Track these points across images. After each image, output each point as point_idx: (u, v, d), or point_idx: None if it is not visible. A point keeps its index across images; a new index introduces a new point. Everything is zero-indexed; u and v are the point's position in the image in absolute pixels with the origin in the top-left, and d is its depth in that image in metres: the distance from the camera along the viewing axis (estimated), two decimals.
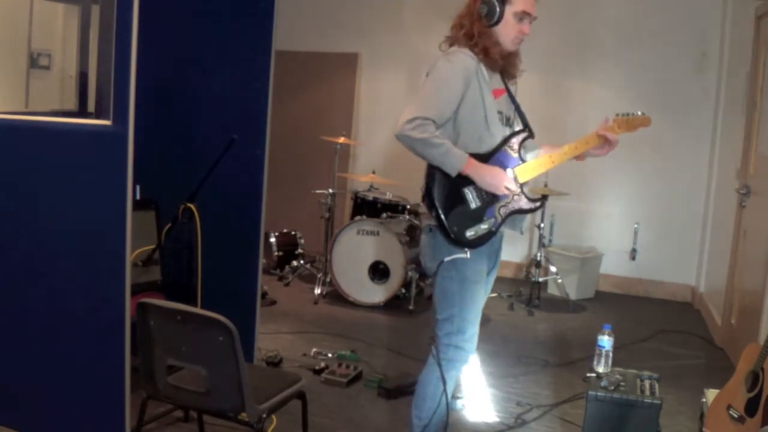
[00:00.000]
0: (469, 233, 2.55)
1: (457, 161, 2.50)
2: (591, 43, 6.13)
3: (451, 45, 2.63)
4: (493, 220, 2.59)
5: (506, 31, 2.58)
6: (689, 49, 5.89)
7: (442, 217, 2.52)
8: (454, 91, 2.52)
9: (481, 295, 2.68)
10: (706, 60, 5.87)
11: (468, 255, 2.55)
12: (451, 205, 2.54)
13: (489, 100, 2.58)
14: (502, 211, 2.61)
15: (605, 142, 2.63)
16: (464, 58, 2.54)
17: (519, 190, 2.62)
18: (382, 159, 6.50)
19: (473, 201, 2.57)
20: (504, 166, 2.60)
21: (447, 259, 2.55)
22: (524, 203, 2.64)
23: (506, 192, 2.57)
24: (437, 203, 2.53)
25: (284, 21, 3.80)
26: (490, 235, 2.59)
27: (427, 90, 2.55)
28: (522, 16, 2.56)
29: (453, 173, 2.51)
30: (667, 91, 5.88)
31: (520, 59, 2.71)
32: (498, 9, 2.54)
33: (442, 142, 2.47)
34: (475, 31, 2.56)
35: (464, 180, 2.54)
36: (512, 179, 2.59)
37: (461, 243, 2.54)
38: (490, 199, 2.58)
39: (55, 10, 5.48)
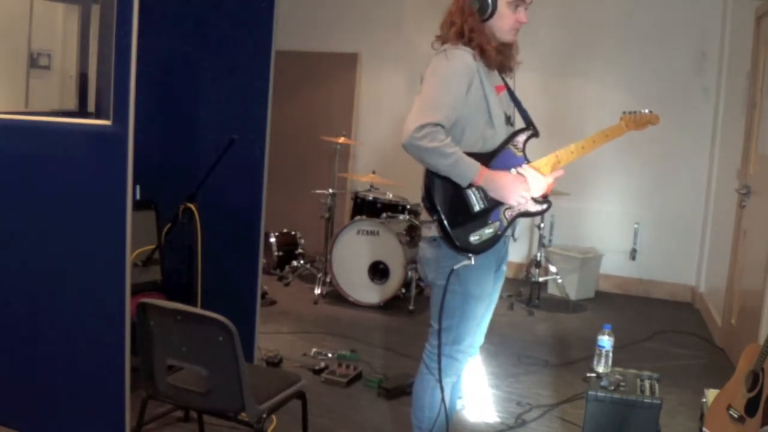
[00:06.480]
0: (474, 238, 2.41)
1: (468, 171, 2.36)
2: (591, 43, 6.14)
3: (443, 43, 2.50)
4: (498, 223, 2.47)
5: (502, 24, 2.45)
6: (689, 49, 5.90)
7: (445, 221, 2.39)
8: (458, 92, 2.39)
9: (481, 309, 2.58)
10: (705, 60, 5.88)
11: (473, 261, 2.42)
12: (453, 208, 2.40)
13: (492, 97, 2.46)
14: (508, 213, 2.49)
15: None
16: (463, 55, 2.41)
17: (531, 194, 2.49)
18: (382, 159, 6.50)
19: (477, 203, 2.43)
20: (508, 166, 2.49)
21: (456, 267, 2.42)
22: (531, 206, 2.52)
23: (521, 202, 2.46)
24: (439, 207, 2.39)
25: (284, 21, 3.81)
26: (495, 239, 2.47)
27: (430, 92, 2.39)
28: (517, 3, 2.43)
29: (464, 184, 2.38)
30: (667, 91, 5.88)
31: (518, 49, 2.59)
32: (491, 1, 2.41)
33: (453, 151, 2.33)
34: (467, 28, 2.44)
35: None
36: (527, 186, 2.47)
37: (465, 249, 2.41)
38: (496, 201, 2.45)
39: (55, 10, 5.49)
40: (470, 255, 2.42)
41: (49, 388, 2.84)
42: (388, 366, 4.12)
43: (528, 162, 2.54)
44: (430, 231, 2.51)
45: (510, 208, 2.49)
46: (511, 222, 2.51)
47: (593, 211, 6.25)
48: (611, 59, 6.08)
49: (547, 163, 2.54)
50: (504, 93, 2.59)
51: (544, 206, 2.55)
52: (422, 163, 2.40)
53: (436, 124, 2.32)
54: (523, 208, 2.51)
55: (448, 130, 2.38)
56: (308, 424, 2.75)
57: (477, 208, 2.44)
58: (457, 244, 2.41)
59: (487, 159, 2.46)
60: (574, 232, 6.27)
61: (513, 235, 2.61)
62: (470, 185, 2.41)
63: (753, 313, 4.03)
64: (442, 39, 2.52)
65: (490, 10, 2.43)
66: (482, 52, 2.44)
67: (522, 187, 2.46)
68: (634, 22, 6.00)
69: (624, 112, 2.62)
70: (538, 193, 2.51)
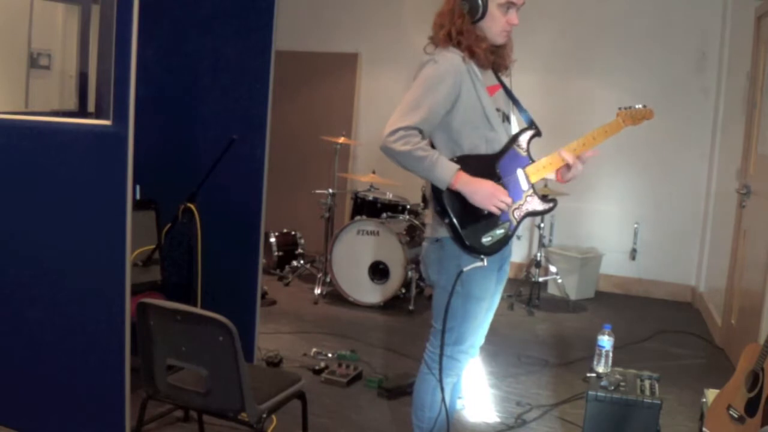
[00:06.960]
0: (486, 239, 2.42)
1: (444, 175, 2.35)
2: (591, 43, 6.13)
3: (435, 46, 2.50)
4: (508, 223, 2.47)
5: (492, 25, 2.44)
6: (689, 49, 5.90)
7: (456, 223, 2.39)
8: (442, 96, 2.39)
9: (483, 310, 2.58)
10: (705, 60, 5.88)
11: (485, 263, 2.42)
12: (464, 210, 2.40)
13: (485, 98, 2.46)
14: (517, 213, 2.49)
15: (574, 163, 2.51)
16: (452, 58, 2.41)
17: (516, 202, 2.48)
18: (382, 159, 6.41)
19: None
20: (514, 166, 2.50)
21: (466, 269, 2.42)
22: (538, 204, 2.53)
23: (498, 209, 2.40)
24: (449, 209, 2.39)
25: (284, 21, 3.81)
26: (506, 239, 2.48)
27: (411, 96, 2.41)
28: (508, 6, 2.42)
29: (442, 187, 2.37)
30: (667, 91, 5.88)
31: (512, 47, 2.57)
32: (481, 3, 2.39)
33: (425, 155, 2.33)
34: (455, 30, 2.42)
35: None
36: (506, 192, 2.43)
37: (477, 250, 2.41)
38: None
39: (55, 10, 5.49)
40: (482, 257, 2.43)
41: (49, 388, 2.83)
42: (388, 366, 4.12)
43: (532, 161, 2.54)
44: (433, 232, 2.51)
45: (518, 207, 2.50)
46: (520, 221, 2.52)
47: (593, 211, 6.25)
48: (611, 59, 6.07)
49: (551, 162, 2.53)
50: (500, 92, 2.59)
51: (551, 204, 2.56)
52: (400, 167, 2.40)
53: (412, 128, 2.34)
54: (530, 207, 2.52)
55: (429, 133, 2.38)
56: (308, 424, 2.75)
57: (487, 209, 2.43)
58: (467, 243, 2.41)
59: (494, 159, 2.47)
60: (574, 232, 6.27)
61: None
62: (449, 189, 2.39)
63: (753, 313, 4.03)
64: (434, 41, 2.52)
65: (480, 12, 2.42)
66: (471, 54, 2.44)
67: (500, 193, 2.41)
68: (634, 22, 6.00)
69: (620, 108, 2.61)
70: (485, 206, 2.40)
